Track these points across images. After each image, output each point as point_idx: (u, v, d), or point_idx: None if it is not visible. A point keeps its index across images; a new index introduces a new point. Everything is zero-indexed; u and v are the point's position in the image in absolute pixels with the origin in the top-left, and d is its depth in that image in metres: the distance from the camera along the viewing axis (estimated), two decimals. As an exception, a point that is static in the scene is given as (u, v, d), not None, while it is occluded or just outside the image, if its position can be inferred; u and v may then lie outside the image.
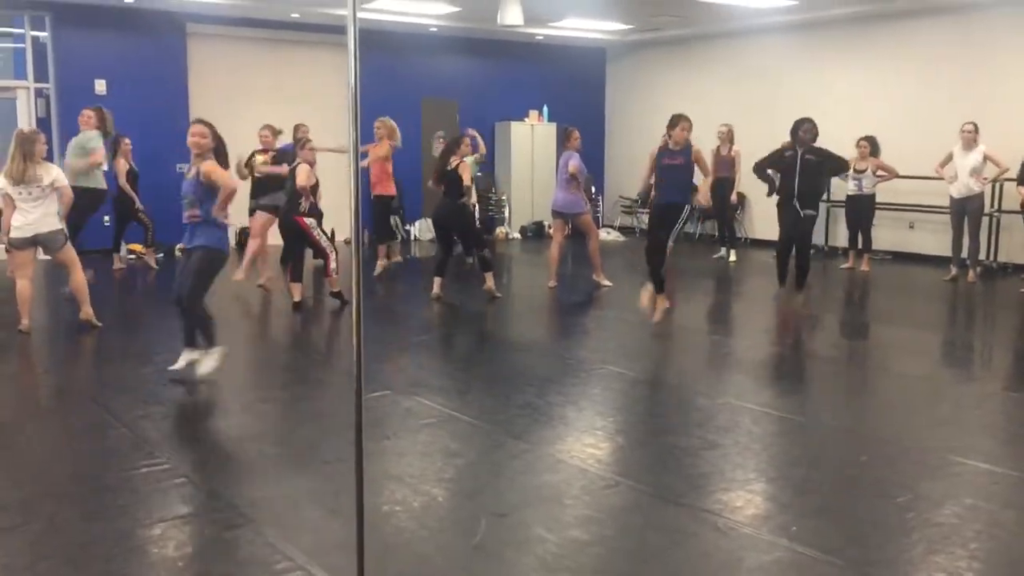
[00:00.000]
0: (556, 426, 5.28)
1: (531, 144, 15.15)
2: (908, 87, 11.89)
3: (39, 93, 11.86)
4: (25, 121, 11.53)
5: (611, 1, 11.64)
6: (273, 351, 7.40)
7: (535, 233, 14.90)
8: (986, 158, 9.94)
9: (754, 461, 4.66)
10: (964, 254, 10.25)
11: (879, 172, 10.84)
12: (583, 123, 15.30)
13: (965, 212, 10.14)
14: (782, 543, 3.62)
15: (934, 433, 5.13)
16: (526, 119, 15.12)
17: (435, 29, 13.56)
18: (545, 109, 15.26)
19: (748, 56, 13.78)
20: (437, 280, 8.94)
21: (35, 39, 11.87)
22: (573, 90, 15.59)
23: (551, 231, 10.33)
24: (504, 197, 14.99)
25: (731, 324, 8.68)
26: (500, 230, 14.75)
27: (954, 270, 10.27)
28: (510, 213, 14.98)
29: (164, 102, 12.01)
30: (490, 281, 9.05)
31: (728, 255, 11.97)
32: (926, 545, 3.64)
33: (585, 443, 4.93)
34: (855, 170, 10.91)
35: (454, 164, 8.82)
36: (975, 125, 10.01)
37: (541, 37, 14.56)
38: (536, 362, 6.86)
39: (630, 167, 14.65)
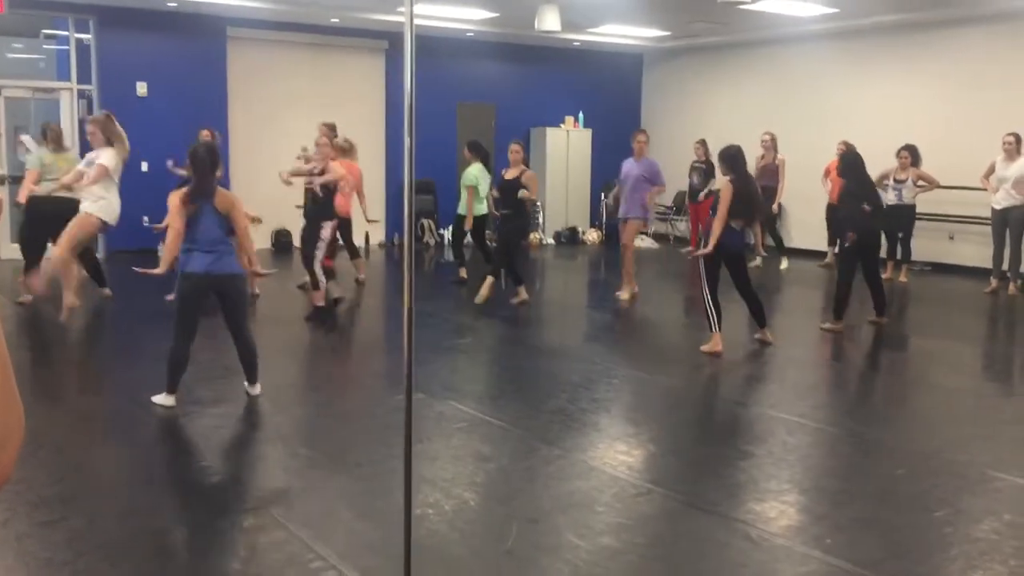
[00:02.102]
0: (588, 432, 5.27)
1: (566, 150, 15.14)
2: (949, 96, 11.73)
3: (81, 94, 12.04)
4: (67, 122, 11.70)
5: (649, 8, 11.60)
6: (305, 354, 7.45)
7: (568, 239, 14.88)
8: None
9: (788, 472, 4.62)
10: (1005, 266, 10.10)
11: (920, 182, 10.72)
12: (619, 129, 15.31)
13: (1006, 223, 9.99)
14: (816, 555, 3.59)
15: (973, 447, 5.05)
16: (562, 125, 15.11)
17: (472, 34, 13.60)
18: (581, 115, 15.25)
19: (787, 64, 13.68)
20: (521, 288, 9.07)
21: (79, 41, 12.06)
22: (610, 96, 15.56)
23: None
24: (539, 203, 14.99)
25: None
26: (534, 236, 14.75)
27: (995, 282, 10.12)
28: (544, 219, 14.98)
29: (204, 105, 12.14)
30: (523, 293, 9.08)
31: (760, 262, 11.87)
32: (965, 560, 3.59)
33: (617, 450, 4.92)
34: (895, 180, 10.78)
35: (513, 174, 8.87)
36: (1017, 136, 9.87)
37: (578, 43, 14.55)
38: (569, 368, 6.85)
39: (665, 173, 14.57)
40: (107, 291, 8.86)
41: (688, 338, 7.99)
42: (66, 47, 12.19)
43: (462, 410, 5.57)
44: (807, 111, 13.15)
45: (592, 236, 14.98)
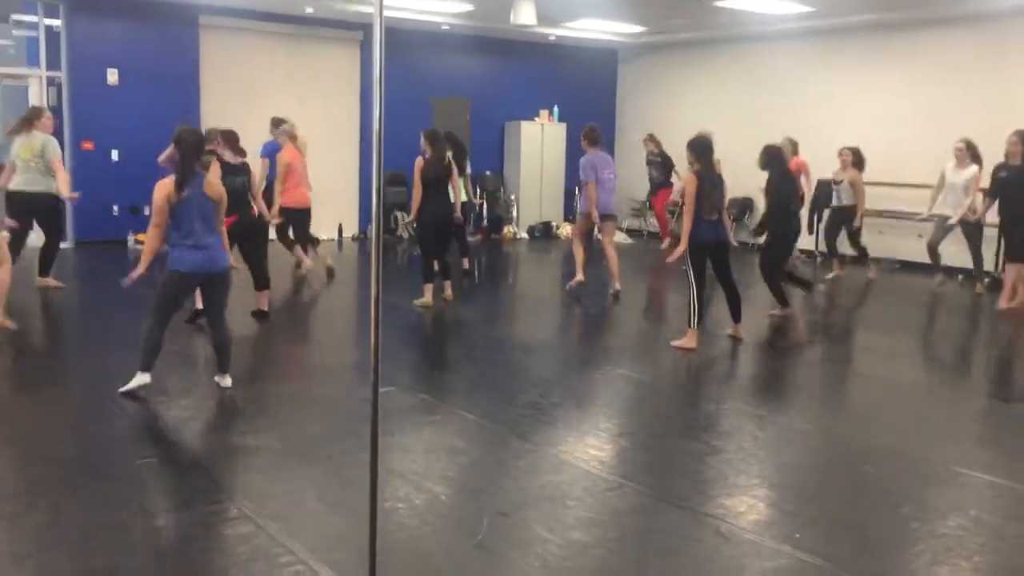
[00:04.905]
0: (560, 427, 5.27)
1: (541, 144, 15.13)
2: (923, 96, 11.83)
3: (51, 81, 11.88)
4: (37, 109, 11.54)
5: (625, 3, 11.61)
6: (276, 345, 7.39)
7: (543, 233, 14.88)
8: (977, 178, 9.57)
9: (758, 467, 4.64)
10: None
11: (852, 185, 10.47)
12: (589, 122, 15.31)
13: (946, 231, 9.86)
14: (785, 550, 3.61)
15: (939, 444, 5.11)
16: (536, 119, 15.10)
17: (447, 27, 13.55)
18: (556, 109, 15.24)
19: (761, 62, 13.74)
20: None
21: (48, 27, 11.89)
22: (584, 91, 15.57)
23: (600, 234, 9.76)
24: (512, 197, 14.99)
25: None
26: (508, 229, 14.74)
27: (940, 277, 10.14)
28: (518, 213, 14.97)
29: (175, 93, 12.02)
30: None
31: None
32: (930, 556, 3.62)
33: (589, 444, 4.92)
34: (835, 180, 10.63)
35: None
36: (968, 142, 9.70)
37: (554, 37, 14.54)
38: (542, 362, 6.85)
39: (640, 169, 14.62)
40: (51, 281, 8.64)
41: (660, 333, 8.02)
42: (35, 33, 12.01)
43: (434, 403, 5.56)
44: (782, 109, 13.22)
45: (566, 230, 14.98)
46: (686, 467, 4.59)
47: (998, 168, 9.15)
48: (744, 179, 11.72)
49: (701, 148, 7.14)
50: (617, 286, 9.32)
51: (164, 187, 5.30)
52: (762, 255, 8.54)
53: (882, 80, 12.28)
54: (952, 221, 9.68)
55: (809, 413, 5.78)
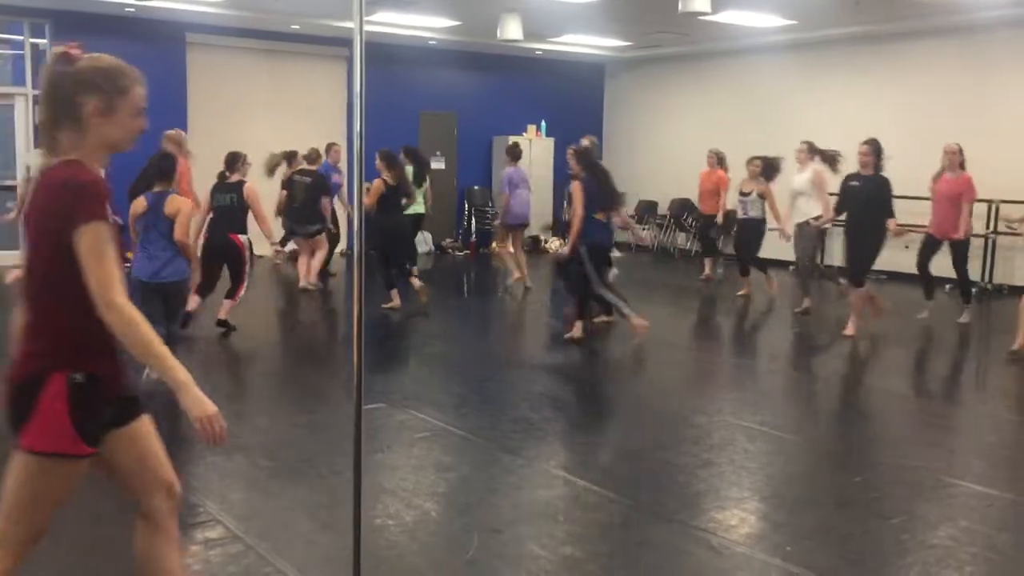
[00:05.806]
0: (551, 441, 5.27)
1: (528, 159, 15.13)
2: (906, 108, 11.92)
3: (37, 100, 11.83)
4: (23, 128, 11.52)
5: (610, 17, 11.67)
6: (267, 363, 7.37)
7: (531, 248, 14.88)
8: (814, 182, 9.15)
9: (749, 480, 4.64)
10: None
11: (763, 198, 9.88)
12: (580, 138, 15.35)
13: (802, 238, 9.31)
14: (776, 563, 3.60)
15: (929, 455, 5.12)
16: (524, 134, 15.13)
17: (434, 43, 13.59)
18: (543, 124, 15.28)
19: (746, 75, 13.82)
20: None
21: (34, 46, 11.87)
22: (571, 105, 15.62)
23: (509, 240, 10.79)
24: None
25: (722, 341, 8.66)
26: (495, 244, 14.74)
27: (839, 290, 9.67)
28: (506, 227, 14.97)
29: (162, 111, 11.94)
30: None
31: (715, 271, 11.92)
32: (921, 567, 3.62)
33: (579, 459, 4.92)
34: (741, 192, 10.09)
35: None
36: (809, 144, 9.32)
37: (540, 52, 14.60)
38: (530, 377, 6.84)
39: (627, 182, 14.64)
40: None
41: (648, 347, 8.02)
42: (21, 52, 11.99)
43: (423, 419, 5.54)
44: (766, 120, 13.29)
45: (555, 245, 14.98)
46: (677, 480, 4.58)
47: (848, 178, 8.33)
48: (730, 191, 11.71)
49: (585, 160, 7.74)
50: (515, 276, 10.36)
51: (134, 204, 6.10)
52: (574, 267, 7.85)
53: (865, 91, 12.36)
54: (823, 224, 9.15)
55: (799, 425, 5.79)
